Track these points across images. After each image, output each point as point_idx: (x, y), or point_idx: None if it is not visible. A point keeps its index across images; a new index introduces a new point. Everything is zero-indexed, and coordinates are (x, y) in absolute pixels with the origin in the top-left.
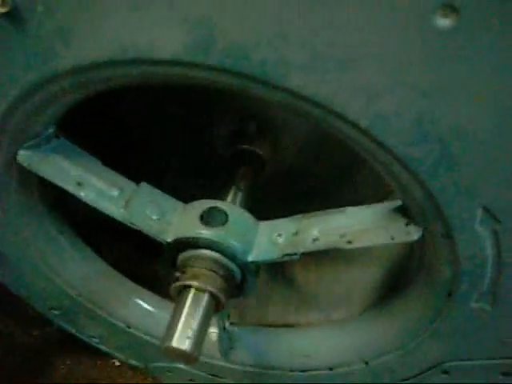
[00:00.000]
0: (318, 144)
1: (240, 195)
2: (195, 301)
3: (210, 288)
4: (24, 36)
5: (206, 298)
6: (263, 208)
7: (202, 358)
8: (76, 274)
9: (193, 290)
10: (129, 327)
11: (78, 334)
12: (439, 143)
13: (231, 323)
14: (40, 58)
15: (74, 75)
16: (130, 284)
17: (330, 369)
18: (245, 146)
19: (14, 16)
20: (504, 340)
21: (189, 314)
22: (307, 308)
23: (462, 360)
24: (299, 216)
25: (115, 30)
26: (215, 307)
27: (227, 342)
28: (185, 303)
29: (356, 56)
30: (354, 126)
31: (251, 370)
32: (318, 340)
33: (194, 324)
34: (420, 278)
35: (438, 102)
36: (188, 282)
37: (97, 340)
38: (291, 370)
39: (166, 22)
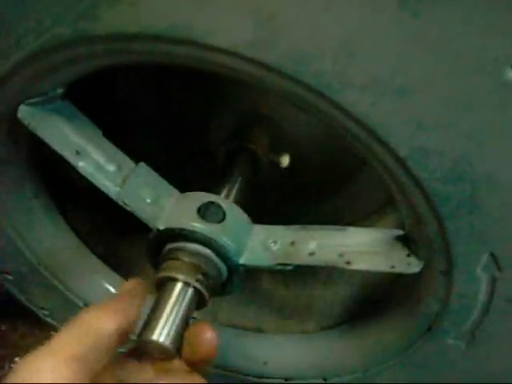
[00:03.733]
0: (317, 146)
1: (234, 193)
2: (180, 295)
3: (197, 285)
4: None
5: (190, 293)
6: (255, 209)
7: None
8: (43, 243)
9: (179, 284)
10: (85, 305)
11: (26, 303)
12: (470, 185)
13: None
14: (75, 15)
15: (107, 42)
16: (97, 262)
17: (286, 379)
18: (242, 143)
19: None
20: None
21: (172, 309)
22: (276, 316)
23: None
24: (297, 226)
25: (173, 4)
26: (197, 304)
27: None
28: (169, 297)
29: (416, 87)
30: (392, 152)
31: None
32: (277, 348)
33: (177, 319)
34: (403, 306)
35: (481, 147)
36: (175, 275)
37: (46, 312)
38: (246, 375)
39: (233, 10)
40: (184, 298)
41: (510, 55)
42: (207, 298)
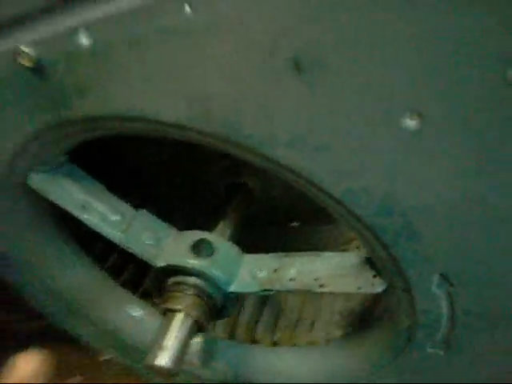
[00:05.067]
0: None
1: (229, 226)
2: (180, 324)
3: (194, 314)
4: (45, 85)
5: (190, 322)
6: (249, 237)
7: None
8: (73, 281)
9: (179, 315)
10: (116, 331)
11: (70, 331)
12: (402, 217)
13: (212, 336)
14: (56, 105)
15: (84, 123)
16: (122, 291)
17: None
18: (236, 180)
19: (37, 70)
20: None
21: (172, 336)
22: (292, 329)
23: None
24: (282, 254)
25: (125, 93)
26: (197, 329)
27: (207, 353)
28: (170, 325)
29: (329, 143)
30: (329, 194)
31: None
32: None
33: (176, 344)
34: (384, 321)
35: (401, 186)
36: (174, 307)
37: (86, 340)
38: None
39: (171, 95)
40: (184, 327)
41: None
42: (205, 324)
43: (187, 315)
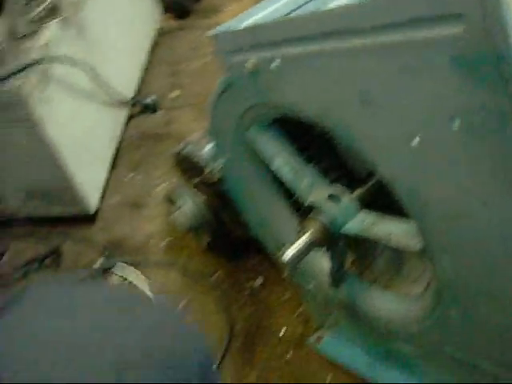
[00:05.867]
0: None
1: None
2: (307, 237)
3: (317, 235)
4: (256, 83)
5: (313, 238)
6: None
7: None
8: (265, 204)
9: (308, 232)
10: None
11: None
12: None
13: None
14: (260, 94)
15: (272, 106)
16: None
17: None
18: None
19: (253, 74)
20: None
21: (299, 242)
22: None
23: None
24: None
25: (288, 96)
26: (317, 245)
27: (339, 276)
28: (301, 236)
29: None
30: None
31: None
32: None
33: (300, 248)
34: None
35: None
36: (307, 227)
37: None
38: None
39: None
40: (309, 239)
41: None
42: (322, 243)
43: (314, 234)
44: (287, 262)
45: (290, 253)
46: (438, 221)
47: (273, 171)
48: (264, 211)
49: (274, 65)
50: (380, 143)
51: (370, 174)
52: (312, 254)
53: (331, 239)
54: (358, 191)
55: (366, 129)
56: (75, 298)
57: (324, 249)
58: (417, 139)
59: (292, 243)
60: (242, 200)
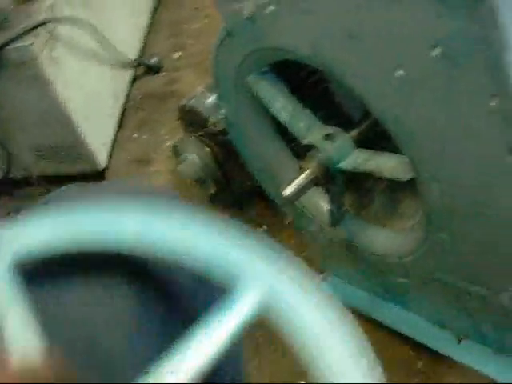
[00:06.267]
0: None
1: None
2: (306, 174)
3: (316, 171)
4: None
5: (312, 176)
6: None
7: None
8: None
9: (308, 170)
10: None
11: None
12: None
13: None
14: (257, 38)
15: (271, 49)
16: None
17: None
18: None
19: (251, 19)
20: None
21: (299, 179)
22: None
23: None
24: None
25: (284, 38)
26: (315, 183)
27: (338, 216)
28: (300, 174)
29: None
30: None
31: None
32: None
33: (300, 183)
34: None
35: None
36: (306, 164)
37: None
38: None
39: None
40: (308, 177)
41: None
42: (321, 181)
43: (312, 171)
44: (286, 197)
45: (289, 189)
46: (425, 149)
47: (272, 116)
48: (266, 156)
49: (269, 9)
50: (368, 76)
51: (365, 116)
52: (312, 194)
53: (328, 176)
54: (353, 132)
55: (354, 63)
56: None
57: (323, 190)
58: (400, 70)
59: (291, 181)
60: (245, 147)
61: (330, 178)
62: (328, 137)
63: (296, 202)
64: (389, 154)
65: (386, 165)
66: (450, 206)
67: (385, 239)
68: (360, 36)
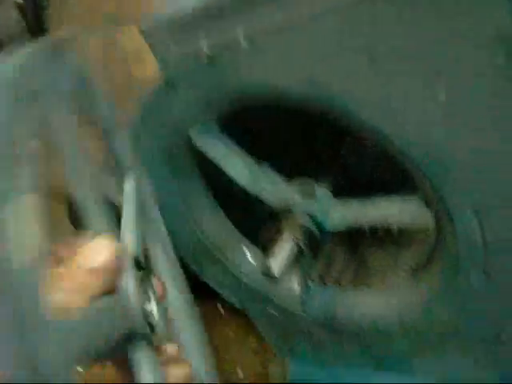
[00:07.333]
0: None
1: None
2: (287, 245)
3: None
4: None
5: (294, 245)
6: None
7: None
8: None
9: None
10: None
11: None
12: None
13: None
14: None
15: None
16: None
17: None
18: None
19: (211, 63)
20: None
21: (281, 250)
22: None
23: None
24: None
25: (260, 78)
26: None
27: (304, 296)
28: (279, 247)
29: None
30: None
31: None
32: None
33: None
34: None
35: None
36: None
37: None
38: None
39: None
40: (290, 246)
41: None
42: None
43: (295, 239)
44: (277, 276)
45: (276, 268)
46: (469, 180)
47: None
48: (208, 234)
49: (239, 47)
50: (397, 106)
51: (333, 162)
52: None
53: (314, 240)
54: (325, 181)
55: (376, 93)
56: None
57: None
58: (443, 95)
59: (273, 256)
60: (176, 229)
61: (316, 242)
62: (306, 194)
63: None
64: (386, 199)
65: (401, 210)
66: (491, 242)
67: (375, 300)
68: (384, 58)
